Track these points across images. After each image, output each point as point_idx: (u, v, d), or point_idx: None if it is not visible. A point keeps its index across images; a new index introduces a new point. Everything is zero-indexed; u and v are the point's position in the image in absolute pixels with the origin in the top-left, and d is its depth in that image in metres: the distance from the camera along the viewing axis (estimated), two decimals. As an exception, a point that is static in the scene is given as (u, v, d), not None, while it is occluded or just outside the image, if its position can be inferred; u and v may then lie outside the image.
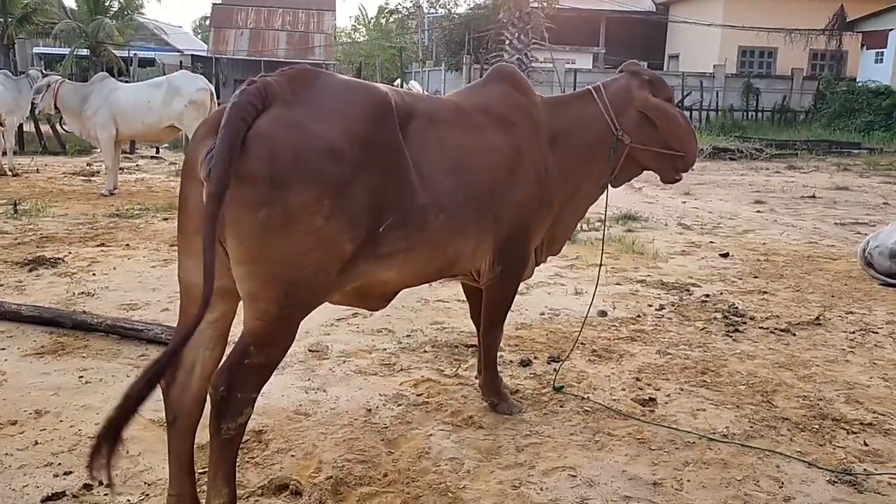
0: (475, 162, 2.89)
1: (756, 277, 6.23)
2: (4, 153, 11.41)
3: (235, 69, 35.71)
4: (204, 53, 36.71)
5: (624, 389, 3.82)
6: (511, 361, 4.13)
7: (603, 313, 5.04)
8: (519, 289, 3.51)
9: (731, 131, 22.32)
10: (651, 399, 3.69)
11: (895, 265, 5.95)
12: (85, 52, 25.75)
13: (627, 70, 3.57)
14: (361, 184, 2.35)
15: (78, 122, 9.90)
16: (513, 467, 3.01)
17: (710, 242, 7.71)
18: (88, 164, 12.98)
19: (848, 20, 26.55)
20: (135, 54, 28.77)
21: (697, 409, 3.60)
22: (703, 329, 4.81)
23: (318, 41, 36.21)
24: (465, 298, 3.82)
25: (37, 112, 10.11)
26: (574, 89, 16.24)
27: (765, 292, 5.74)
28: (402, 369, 4.00)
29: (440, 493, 2.79)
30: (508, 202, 3.04)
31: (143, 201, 9.38)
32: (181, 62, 28.32)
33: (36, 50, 32.51)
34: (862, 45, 26.55)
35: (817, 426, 3.45)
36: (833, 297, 5.65)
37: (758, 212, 9.99)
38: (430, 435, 3.26)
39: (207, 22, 42.25)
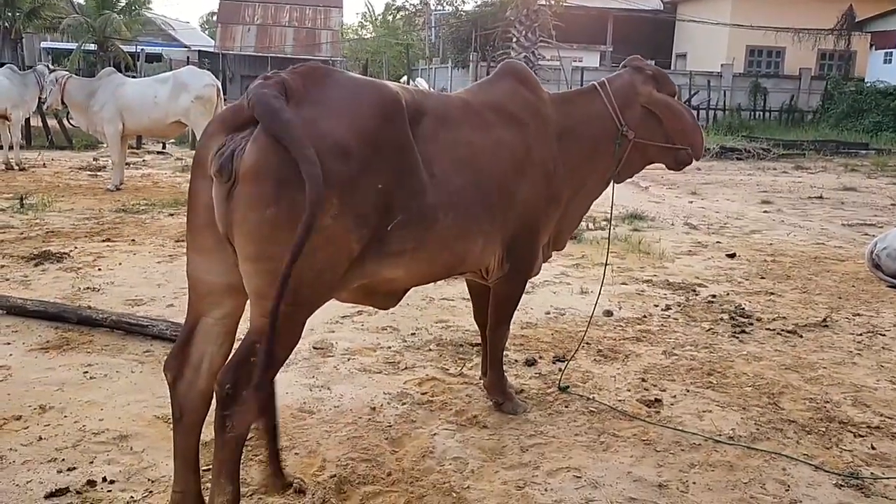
0: (484, 159, 2.88)
1: (763, 278, 6.20)
2: (12, 147, 11.44)
3: (242, 65, 35.78)
4: (211, 49, 36.77)
5: (629, 390, 3.80)
6: (516, 361, 4.12)
7: (609, 313, 5.02)
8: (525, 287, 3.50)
9: (739, 131, 22.26)
10: (657, 400, 3.67)
11: (903, 267, 5.92)
12: (92, 46, 25.82)
13: (631, 65, 3.57)
14: (370, 182, 2.34)
15: (85, 117, 9.91)
16: (517, 467, 3.00)
17: (717, 242, 7.68)
18: (95, 159, 13.01)
19: (857, 20, 26.44)
20: (142, 49, 28.82)
21: (703, 411, 3.59)
22: (709, 330, 4.79)
23: (324, 38, 36.25)
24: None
25: (44, 108, 10.13)
26: (581, 88, 16.18)
27: (772, 293, 5.72)
28: (406, 368, 3.99)
29: (444, 492, 2.78)
30: (517, 199, 3.03)
31: (149, 197, 9.39)
32: (188, 58, 28.42)
33: (44, 45, 32.59)
34: (871, 46, 26.43)
35: (824, 429, 3.43)
36: (840, 298, 5.62)
37: (765, 212, 9.95)
38: (435, 434, 3.24)
39: (215, 17, 42.29)
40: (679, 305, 5.30)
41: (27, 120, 13.50)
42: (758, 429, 3.41)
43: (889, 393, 3.86)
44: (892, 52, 25.40)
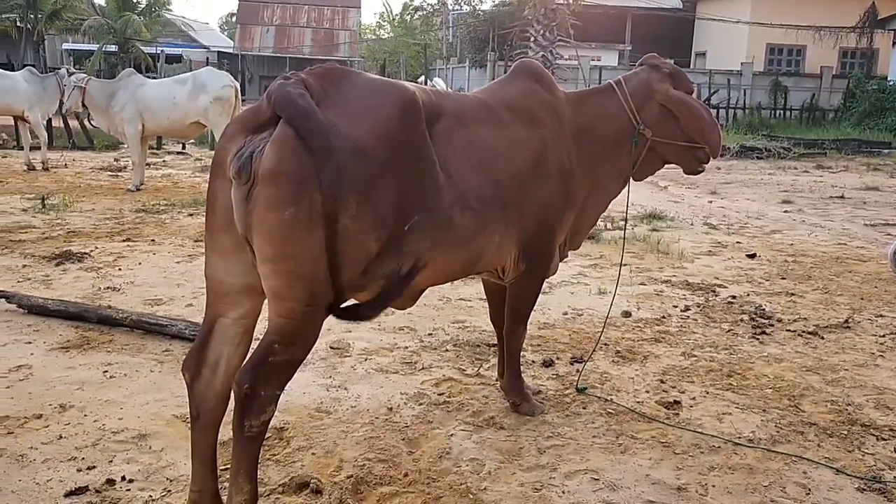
0: (500, 159, 2.87)
1: (783, 279, 6.14)
2: (33, 148, 11.56)
3: (261, 66, 35.98)
4: (230, 50, 36.99)
5: (648, 391, 3.78)
6: (533, 362, 4.11)
7: (627, 314, 4.99)
8: (542, 287, 3.48)
9: (759, 130, 22.05)
10: (676, 402, 3.64)
11: (927, 268, 5.84)
12: (113, 48, 26.09)
13: (648, 63, 3.54)
14: (388, 183, 2.33)
15: (106, 118, 9.99)
16: (534, 469, 2.99)
17: (737, 243, 7.61)
18: (116, 160, 13.12)
19: (879, 18, 26.07)
20: (162, 51, 29.07)
21: (723, 413, 3.55)
22: (729, 331, 4.75)
23: (342, 38, 36.37)
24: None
25: (63, 111, 10.22)
26: (599, 87, 16.10)
27: (792, 294, 5.66)
28: (423, 368, 3.98)
29: (461, 494, 2.78)
30: (533, 199, 3.02)
31: (169, 197, 9.46)
32: (208, 59, 28.58)
33: (65, 46, 32.93)
34: (893, 44, 26.01)
35: (846, 432, 3.39)
36: (862, 299, 5.55)
37: (785, 212, 9.85)
38: (452, 435, 3.24)
39: (234, 18, 42.56)
40: (698, 306, 5.26)
41: (49, 121, 13.65)
42: (778, 431, 3.37)
43: (912, 396, 3.81)
44: (915, 50, 25.05)
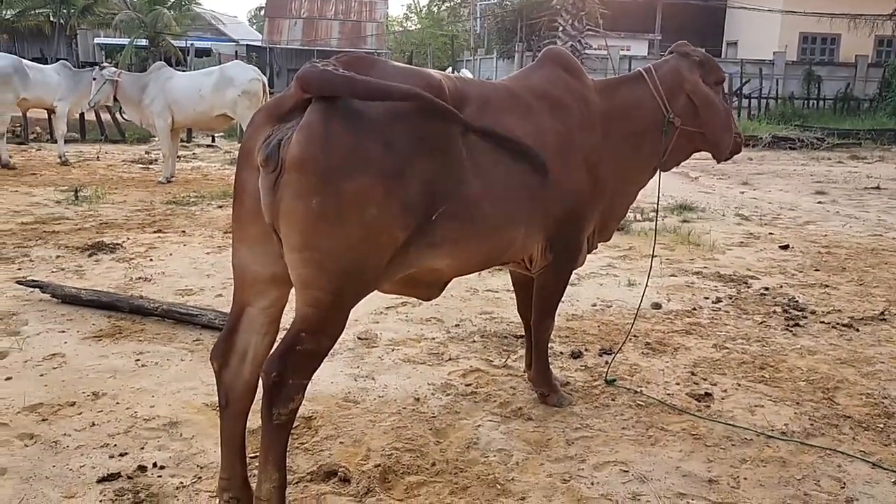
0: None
1: (817, 270, 6.04)
2: (74, 140, 11.61)
3: (289, 59, 36.12)
4: (259, 43, 37.20)
5: (678, 384, 3.73)
6: (562, 353, 4.08)
7: (657, 305, 4.93)
8: (570, 279, 3.45)
9: (792, 120, 21.70)
10: (707, 394, 3.60)
11: (966, 259, 5.70)
12: (144, 42, 26.33)
13: (678, 51, 3.49)
14: (415, 172, 2.32)
15: (137, 111, 10.11)
16: (563, 460, 2.96)
17: (770, 234, 7.49)
18: (147, 153, 13.28)
19: (917, 5, 25.48)
20: (192, 44, 29.30)
21: (755, 406, 3.50)
22: (761, 323, 4.68)
23: (370, 30, 36.39)
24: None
25: (90, 104, 10.32)
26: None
27: (826, 286, 5.56)
28: (450, 359, 3.97)
29: (488, 484, 2.77)
30: (560, 187, 2.98)
31: (199, 189, 9.55)
32: (236, 52, 28.79)
33: (97, 40, 33.32)
34: (931, 31, 25.48)
35: (882, 425, 3.32)
36: (899, 291, 5.43)
37: (819, 203, 9.68)
38: (479, 426, 3.23)
39: (262, 12, 42.78)
40: (730, 298, 5.19)
41: (82, 115, 13.81)
42: (812, 424, 3.32)
43: (951, 389, 3.72)
44: (954, 38, 24.47)
